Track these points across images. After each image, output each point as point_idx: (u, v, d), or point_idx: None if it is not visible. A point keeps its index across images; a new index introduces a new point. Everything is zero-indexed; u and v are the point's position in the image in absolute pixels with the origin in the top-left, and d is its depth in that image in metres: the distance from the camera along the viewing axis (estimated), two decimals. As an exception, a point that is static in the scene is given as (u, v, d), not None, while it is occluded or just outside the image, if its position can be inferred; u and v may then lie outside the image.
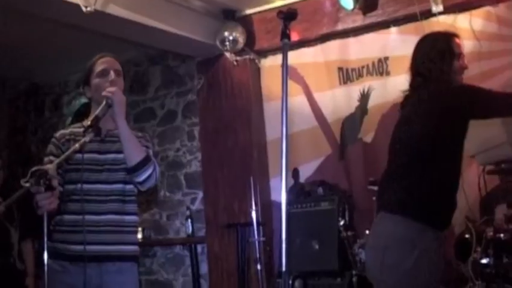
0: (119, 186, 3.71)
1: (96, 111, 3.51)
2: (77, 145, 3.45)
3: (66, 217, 3.65)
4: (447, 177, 3.61)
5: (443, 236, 3.61)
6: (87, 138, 3.46)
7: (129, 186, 3.75)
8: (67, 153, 3.47)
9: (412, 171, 3.57)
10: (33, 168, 3.31)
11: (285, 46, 2.79)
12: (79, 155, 3.52)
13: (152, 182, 3.73)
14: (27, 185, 3.24)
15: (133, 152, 3.62)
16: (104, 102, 3.51)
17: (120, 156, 3.68)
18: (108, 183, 3.68)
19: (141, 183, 3.69)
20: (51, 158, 3.64)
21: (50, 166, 3.35)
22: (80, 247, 3.50)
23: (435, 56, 3.75)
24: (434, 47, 3.79)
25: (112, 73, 3.74)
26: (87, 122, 3.47)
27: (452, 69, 3.74)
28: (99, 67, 3.77)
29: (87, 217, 3.55)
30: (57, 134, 3.81)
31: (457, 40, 3.85)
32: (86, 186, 3.60)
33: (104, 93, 3.54)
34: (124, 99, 3.60)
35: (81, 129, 3.68)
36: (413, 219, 3.52)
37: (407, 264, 3.50)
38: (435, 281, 3.57)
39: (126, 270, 3.72)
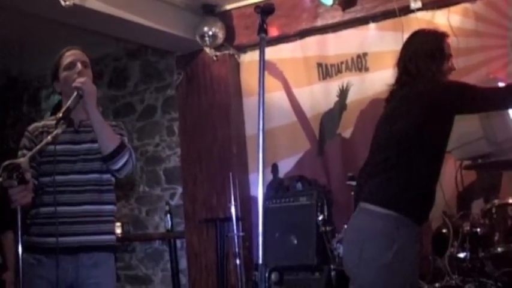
0: (95, 176, 3.71)
1: (68, 102, 3.50)
2: (49, 137, 3.43)
3: (42, 210, 3.64)
4: (429, 172, 3.61)
5: (420, 231, 3.62)
6: (59, 130, 3.44)
7: (106, 176, 3.75)
8: (39, 146, 3.45)
9: (395, 165, 3.55)
10: (6, 162, 3.30)
11: (262, 40, 2.80)
12: (52, 147, 3.50)
13: (129, 168, 3.73)
14: (0, 179, 3.23)
15: (108, 140, 3.62)
16: (75, 94, 3.50)
17: (95, 145, 3.68)
18: (83, 173, 3.67)
19: (117, 170, 3.70)
20: (25, 151, 3.64)
21: (23, 160, 3.34)
22: (53, 239, 3.49)
23: (425, 55, 3.73)
24: (426, 45, 3.78)
25: (79, 64, 3.74)
26: (59, 114, 3.46)
27: (442, 69, 3.74)
28: (66, 60, 3.77)
29: (63, 208, 3.55)
30: (30, 128, 3.81)
31: (448, 41, 3.85)
32: (60, 177, 3.59)
33: (74, 85, 3.53)
34: (94, 89, 3.59)
35: (54, 122, 3.65)
36: (394, 211, 3.50)
37: (386, 259, 3.49)
38: (413, 276, 3.59)
39: (102, 263, 3.71)
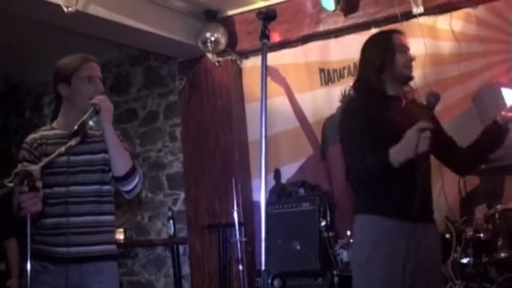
0: (96, 187, 3.68)
1: (84, 116, 3.48)
2: (62, 148, 3.43)
3: (44, 220, 3.62)
4: None
5: (410, 226, 3.57)
6: (73, 142, 3.45)
7: (107, 187, 3.73)
8: (52, 156, 3.44)
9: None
10: (17, 169, 3.32)
11: (264, 46, 2.81)
12: (59, 158, 3.51)
13: (138, 190, 3.74)
14: (11, 185, 3.23)
15: (121, 161, 3.61)
16: (92, 109, 3.48)
17: (95, 157, 3.68)
18: (84, 185, 3.65)
19: (128, 192, 3.70)
20: (25, 164, 3.60)
21: (35, 167, 3.34)
22: (62, 249, 3.53)
23: (367, 61, 3.82)
24: (373, 49, 3.83)
25: (98, 81, 3.72)
26: (74, 127, 3.45)
27: (396, 63, 3.73)
28: (86, 71, 3.71)
29: (64, 219, 3.56)
30: (28, 139, 3.75)
31: (397, 35, 3.85)
32: (62, 189, 3.59)
33: (93, 101, 3.51)
34: (112, 107, 3.59)
35: (50, 132, 3.70)
36: (363, 213, 3.68)
37: (361, 259, 3.62)
38: (395, 272, 3.54)
39: (106, 270, 3.71)
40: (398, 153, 3.40)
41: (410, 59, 3.80)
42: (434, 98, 3.50)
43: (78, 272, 3.60)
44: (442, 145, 3.78)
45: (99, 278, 3.65)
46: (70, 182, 3.63)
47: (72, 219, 3.59)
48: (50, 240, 3.60)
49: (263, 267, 2.54)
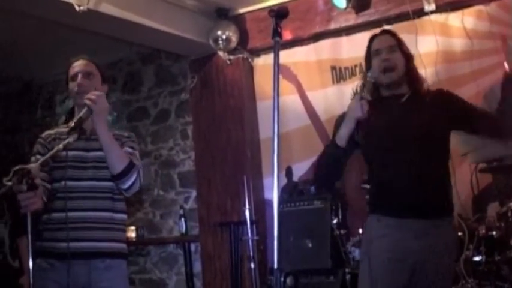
0: (108, 184, 3.71)
1: (80, 113, 3.55)
2: (60, 145, 3.47)
3: (54, 215, 3.65)
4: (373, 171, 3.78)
5: (413, 224, 3.60)
6: (70, 139, 3.48)
7: (106, 183, 3.74)
8: (50, 152, 3.48)
9: None
10: (16, 167, 3.31)
11: (276, 44, 2.81)
12: (63, 153, 3.53)
13: (136, 188, 3.75)
14: (9, 183, 3.24)
15: (115, 161, 3.63)
16: (86, 107, 3.54)
17: (101, 153, 3.70)
18: (96, 180, 3.68)
19: (125, 190, 3.71)
20: (38, 156, 3.67)
21: (33, 165, 3.36)
22: (65, 244, 3.51)
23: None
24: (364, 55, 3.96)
25: (79, 76, 3.78)
26: (71, 124, 3.50)
27: (373, 69, 3.77)
28: (71, 71, 3.83)
29: (74, 214, 3.56)
30: (44, 134, 3.84)
31: (377, 38, 3.89)
32: (71, 183, 3.61)
33: (84, 101, 3.56)
34: (105, 108, 3.62)
35: (67, 129, 3.71)
36: (370, 213, 3.76)
37: (362, 254, 3.84)
38: (391, 268, 3.57)
39: (114, 267, 3.72)
40: (341, 129, 3.66)
41: (384, 59, 3.77)
42: None
43: (86, 269, 3.61)
44: (469, 127, 3.80)
45: (107, 275, 3.66)
46: (77, 177, 3.66)
47: (78, 213, 3.61)
48: (56, 235, 3.61)
49: (276, 266, 2.54)
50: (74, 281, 3.56)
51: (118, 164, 3.63)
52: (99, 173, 3.70)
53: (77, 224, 3.59)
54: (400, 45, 3.86)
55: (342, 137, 3.66)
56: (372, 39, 3.92)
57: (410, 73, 3.82)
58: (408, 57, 3.84)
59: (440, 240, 3.63)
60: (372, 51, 3.85)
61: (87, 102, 3.53)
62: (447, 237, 3.71)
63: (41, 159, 3.48)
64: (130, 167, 3.65)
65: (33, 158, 3.68)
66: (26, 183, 3.25)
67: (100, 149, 3.68)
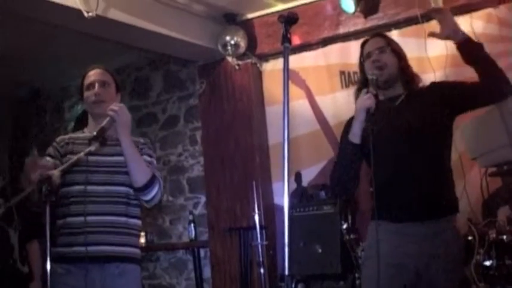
0: (124, 188, 3.75)
1: (103, 122, 3.60)
2: (81, 154, 3.54)
3: (69, 219, 3.68)
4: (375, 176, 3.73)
5: (413, 229, 3.63)
6: (92, 148, 3.54)
7: (122, 188, 3.78)
8: (72, 160, 3.55)
9: None
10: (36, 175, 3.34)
11: (286, 50, 2.81)
12: (83, 157, 3.60)
13: (158, 199, 3.81)
14: (30, 190, 3.26)
15: (139, 174, 3.70)
16: (109, 118, 3.59)
17: (122, 159, 3.73)
18: (111, 185, 3.72)
19: (147, 201, 3.78)
20: (48, 158, 3.72)
21: (55, 172, 3.38)
22: (82, 248, 3.55)
23: None
24: None
25: (96, 85, 3.83)
26: (94, 133, 3.54)
27: (366, 72, 3.86)
28: (87, 80, 3.88)
29: (90, 218, 3.59)
30: (58, 139, 3.91)
31: (369, 41, 3.99)
32: (87, 187, 3.64)
33: (108, 112, 3.61)
34: (129, 119, 3.67)
35: (81, 134, 3.84)
36: (372, 219, 3.76)
37: (363, 259, 4.00)
38: (389, 272, 3.59)
39: (128, 273, 3.75)
40: (353, 125, 3.72)
41: (373, 60, 3.84)
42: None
43: (100, 275, 3.63)
44: (468, 99, 3.79)
45: (121, 282, 3.69)
46: (93, 181, 3.69)
47: (96, 218, 3.64)
48: (72, 240, 3.64)
49: (287, 272, 2.53)
50: (90, 286, 3.59)
51: (141, 178, 3.69)
52: (114, 178, 3.74)
53: (93, 228, 3.62)
54: (390, 45, 3.93)
55: (355, 133, 3.71)
56: (363, 44, 4.00)
57: (404, 72, 3.88)
58: (400, 56, 3.91)
59: (440, 245, 3.63)
60: (364, 56, 3.93)
61: (111, 113, 3.59)
62: (448, 241, 3.69)
63: (62, 167, 3.51)
64: (152, 180, 3.71)
65: (44, 159, 3.70)
66: (45, 189, 3.26)
67: (114, 154, 3.73)
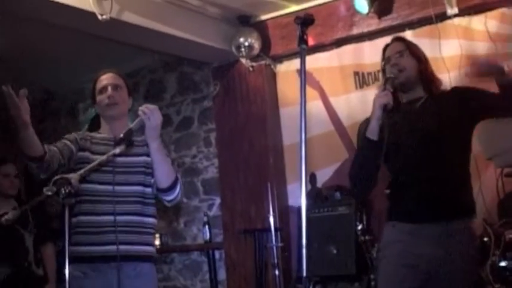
0: (139, 188, 3.79)
1: (131, 124, 3.63)
2: (104, 156, 3.57)
3: (82, 218, 3.71)
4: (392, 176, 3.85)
5: (427, 229, 3.65)
6: (117, 150, 3.54)
7: (148, 189, 3.84)
8: (94, 163, 3.55)
9: None
10: (57, 177, 3.35)
11: (303, 51, 2.82)
12: (91, 156, 3.71)
13: (178, 199, 3.89)
14: (49, 193, 3.27)
15: (165, 176, 3.76)
16: (139, 118, 3.61)
17: (137, 159, 3.80)
18: (126, 185, 3.75)
19: (169, 201, 3.85)
20: (64, 141, 3.81)
21: (74, 175, 3.39)
22: (100, 248, 3.59)
23: None
24: None
25: (109, 88, 3.88)
26: (121, 135, 3.56)
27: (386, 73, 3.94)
28: (99, 84, 3.93)
29: (105, 218, 3.64)
30: (79, 132, 3.97)
31: (390, 45, 4.07)
32: (101, 187, 3.70)
33: (138, 113, 3.62)
34: (159, 122, 3.66)
35: (98, 135, 3.89)
36: (387, 220, 3.87)
37: (379, 259, 3.97)
38: (401, 272, 3.65)
39: (145, 273, 3.79)
40: (370, 122, 3.75)
41: (393, 64, 3.91)
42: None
43: (117, 275, 3.64)
44: (488, 109, 3.80)
45: (138, 283, 3.72)
46: (109, 181, 3.72)
47: (111, 217, 3.65)
48: (88, 238, 3.66)
49: (304, 274, 2.54)
50: (106, 286, 3.63)
51: (166, 180, 3.76)
52: (130, 178, 3.77)
53: (108, 227, 3.65)
54: (409, 49, 3.95)
55: (373, 129, 3.73)
56: (384, 49, 4.07)
57: (424, 75, 3.90)
58: (419, 59, 3.93)
59: (455, 246, 3.63)
60: (385, 60, 3.99)
61: (141, 114, 3.60)
62: (463, 242, 3.68)
63: (82, 171, 3.50)
64: (176, 181, 3.79)
65: (60, 141, 3.82)
66: (64, 192, 3.28)
67: (131, 155, 3.77)
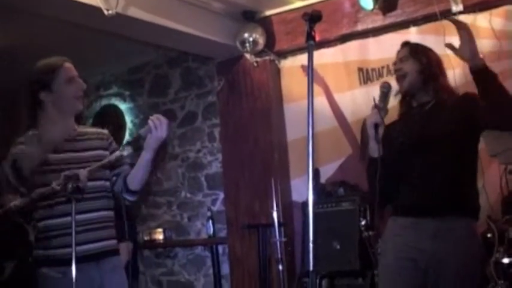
0: (106, 183, 3.79)
1: (140, 130, 3.62)
2: (112, 157, 3.56)
3: (57, 221, 3.62)
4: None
5: (427, 224, 3.67)
6: (124, 152, 3.52)
7: (107, 183, 3.81)
8: (101, 163, 3.53)
9: None
10: (66, 172, 3.36)
11: (311, 48, 2.84)
12: (53, 156, 3.58)
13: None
14: (58, 187, 3.28)
15: (142, 181, 3.78)
16: (147, 126, 3.58)
17: (97, 152, 3.73)
18: (95, 180, 3.65)
19: (131, 202, 3.85)
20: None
21: (83, 171, 3.38)
22: (79, 248, 3.43)
23: None
24: None
25: (79, 81, 3.81)
26: (129, 138, 3.56)
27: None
28: (64, 75, 3.75)
29: (79, 216, 3.47)
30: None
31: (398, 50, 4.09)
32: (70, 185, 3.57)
33: (149, 121, 3.60)
34: (164, 136, 3.63)
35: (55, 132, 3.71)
36: (391, 215, 3.91)
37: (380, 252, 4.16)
38: (400, 265, 3.70)
39: (118, 267, 3.81)
40: (369, 142, 3.82)
41: (395, 70, 4.05)
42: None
43: (98, 273, 3.65)
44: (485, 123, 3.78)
45: (115, 277, 3.74)
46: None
47: (85, 215, 3.60)
48: (64, 240, 3.52)
49: (311, 268, 2.56)
50: (89, 286, 3.59)
51: (140, 185, 3.78)
52: (97, 173, 3.65)
53: (84, 226, 3.58)
54: (412, 54, 3.96)
55: (372, 147, 3.79)
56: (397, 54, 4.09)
57: (430, 80, 3.89)
58: (421, 63, 3.91)
59: (454, 242, 3.64)
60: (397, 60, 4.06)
61: (150, 122, 3.59)
62: (464, 238, 3.68)
63: (90, 167, 3.49)
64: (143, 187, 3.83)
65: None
66: (71, 187, 3.28)
67: (91, 149, 3.73)
